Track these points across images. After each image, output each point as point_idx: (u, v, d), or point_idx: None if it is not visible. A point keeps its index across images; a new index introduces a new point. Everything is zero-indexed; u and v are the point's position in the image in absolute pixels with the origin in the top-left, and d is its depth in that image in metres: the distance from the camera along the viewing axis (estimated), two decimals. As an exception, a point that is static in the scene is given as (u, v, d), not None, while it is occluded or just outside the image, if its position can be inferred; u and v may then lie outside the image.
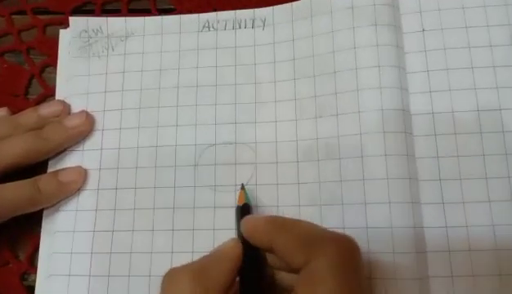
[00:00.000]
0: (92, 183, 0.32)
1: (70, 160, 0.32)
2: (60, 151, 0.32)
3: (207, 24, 0.34)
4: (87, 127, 0.32)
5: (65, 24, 0.36)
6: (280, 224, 0.24)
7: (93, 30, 0.35)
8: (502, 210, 0.28)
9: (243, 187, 0.29)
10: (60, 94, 0.35)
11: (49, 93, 0.35)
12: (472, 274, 0.28)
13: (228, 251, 0.24)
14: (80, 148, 0.33)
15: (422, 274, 0.27)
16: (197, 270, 0.23)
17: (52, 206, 0.32)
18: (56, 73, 0.35)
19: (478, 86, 0.30)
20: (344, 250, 0.22)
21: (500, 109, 0.30)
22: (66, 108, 0.33)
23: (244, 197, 0.28)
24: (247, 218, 0.26)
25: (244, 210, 0.28)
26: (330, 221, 0.29)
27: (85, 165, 0.32)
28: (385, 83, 0.30)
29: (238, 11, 0.34)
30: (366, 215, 0.28)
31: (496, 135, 0.29)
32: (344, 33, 0.31)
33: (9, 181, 0.30)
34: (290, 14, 0.33)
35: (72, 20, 0.35)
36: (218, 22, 0.34)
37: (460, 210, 0.29)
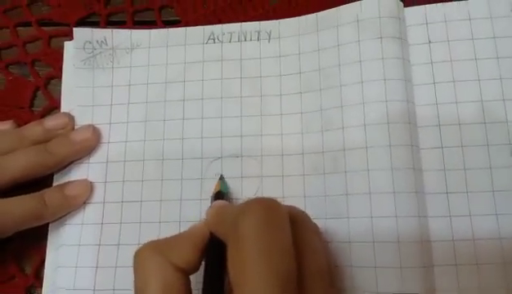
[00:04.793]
0: (97, 196, 0.32)
1: (76, 173, 0.32)
2: (66, 164, 0.32)
3: (212, 36, 0.34)
4: (93, 142, 0.32)
5: (70, 36, 0.35)
6: (220, 210, 0.24)
7: (97, 42, 0.35)
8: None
9: (221, 177, 0.30)
10: (65, 106, 0.34)
11: (54, 105, 0.35)
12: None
13: (195, 230, 0.24)
14: (86, 161, 0.33)
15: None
16: (161, 245, 0.23)
17: (58, 219, 0.32)
18: (61, 86, 0.35)
19: (484, 99, 0.30)
20: (266, 208, 0.21)
21: (507, 122, 0.30)
22: (71, 120, 0.33)
23: (219, 186, 0.29)
24: (211, 206, 0.26)
25: (216, 198, 0.28)
26: (336, 235, 0.29)
27: (91, 178, 0.32)
28: (391, 96, 0.30)
29: (243, 24, 0.34)
30: (372, 228, 0.28)
31: (503, 147, 0.29)
32: (350, 47, 0.31)
33: (14, 195, 0.30)
34: (297, 28, 0.33)
35: (76, 30, 0.35)
36: (224, 34, 0.34)
37: (467, 223, 0.29)
